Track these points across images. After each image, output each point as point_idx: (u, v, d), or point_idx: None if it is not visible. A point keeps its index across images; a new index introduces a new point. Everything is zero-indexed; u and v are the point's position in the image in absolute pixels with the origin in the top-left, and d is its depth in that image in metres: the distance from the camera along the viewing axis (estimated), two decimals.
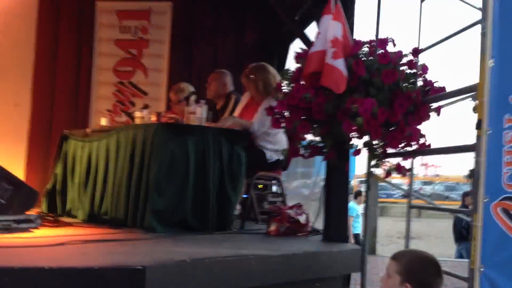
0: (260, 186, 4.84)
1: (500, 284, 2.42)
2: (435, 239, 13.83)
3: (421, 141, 3.31)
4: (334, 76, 3.11)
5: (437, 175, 34.49)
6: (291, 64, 6.93)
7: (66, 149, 5.04)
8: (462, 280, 2.65)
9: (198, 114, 4.17)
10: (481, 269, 2.42)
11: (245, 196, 4.42)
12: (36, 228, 3.77)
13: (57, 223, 4.14)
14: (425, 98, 3.19)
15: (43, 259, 2.62)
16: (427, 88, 3.27)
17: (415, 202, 3.69)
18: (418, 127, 3.30)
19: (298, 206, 4.07)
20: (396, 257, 2.08)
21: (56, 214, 4.77)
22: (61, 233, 3.64)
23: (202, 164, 3.92)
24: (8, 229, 3.61)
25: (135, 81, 6.61)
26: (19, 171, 5.92)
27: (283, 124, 3.56)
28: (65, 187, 4.92)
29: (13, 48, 6.44)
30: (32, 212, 3.92)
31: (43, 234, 3.55)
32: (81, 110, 6.61)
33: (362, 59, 3.25)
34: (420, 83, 3.29)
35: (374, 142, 3.30)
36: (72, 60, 6.64)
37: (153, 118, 4.50)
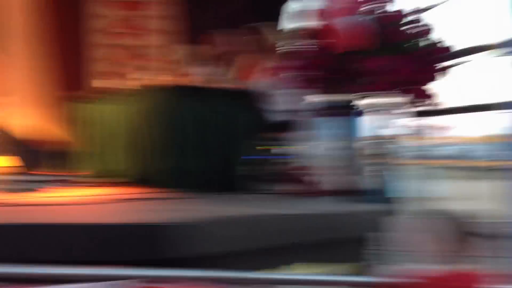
0: (268, 147, 4.87)
1: None
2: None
3: (431, 100, 3.34)
4: (355, 34, 3.11)
5: (451, 136, 34.41)
6: (286, 23, 6.87)
7: (82, 113, 5.05)
8: None
9: (199, 74, 4.19)
10: None
11: (253, 157, 4.46)
12: (69, 187, 3.94)
13: (87, 183, 4.25)
14: (434, 57, 3.20)
15: (69, 216, 2.76)
16: (435, 46, 3.28)
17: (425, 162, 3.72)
18: (428, 86, 3.32)
19: (309, 165, 4.10)
20: (425, 217, 2.05)
21: (81, 174, 4.81)
22: (93, 193, 3.75)
23: (217, 125, 3.96)
24: (43, 188, 3.73)
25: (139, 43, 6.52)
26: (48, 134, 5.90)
27: (293, 83, 3.58)
28: (87, 149, 4.97)
29: None
30: (69, 172, 4.08)
31: (72, 194, 3.68)
32: (85, 72, 6.47)
33: (370, 17, 3.25)
34: (427, 41, 3.29)
35: (384, 101, 3.33)
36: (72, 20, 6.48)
37: (159, 80, 4.51)
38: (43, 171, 3.86)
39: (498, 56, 2.65)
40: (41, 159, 3.86)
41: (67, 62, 6.41)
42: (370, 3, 3.31)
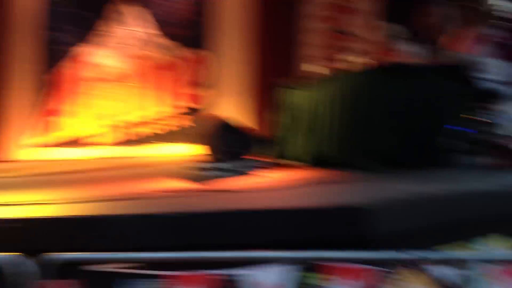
0: (476, 118, 4.56)
1: None
2: None
3: None
4: None
5: None
6: None
7: (287, 98, 5.32)
8: None
9: (410, 52, 4.09)
10: None
11: (460, 129, 4.23)
12: (264, 171, 4.08)
13: (284, 167, 4.47)
14: None
15: (274, 200, 2.92)
16: None
17: None
18: None
19: None
20: None
21: (282, 158, 5.08)
22: (289, 177, 3.92)
23: (418, 103, 3.87)
24: (241, 174, 3.93)
25: (344, 25, 6.56)
26: (246, 121, 6.41)
27: (504, 52, 3.28)
28: (290, 133, 5.24)
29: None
30: (260, 158, 4.26)
31: (272, 178, 3.88)
32: (293, 58, 6.66)
33: None
34: None
35: None
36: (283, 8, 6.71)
37: (365, 61, 4.52)
38: (249, 156, 4.08)
39: None
40: (247, 146, 4.10)
41: (278, 49, 6.65)
42: None
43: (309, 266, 2.09)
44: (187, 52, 6.88)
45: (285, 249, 2.10)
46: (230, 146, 4.13)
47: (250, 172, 4.04)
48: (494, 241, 2.85)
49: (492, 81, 4.14)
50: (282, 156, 5.21)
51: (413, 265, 1.98)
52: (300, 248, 2.09)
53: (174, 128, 6.89)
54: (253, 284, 2.04)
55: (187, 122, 6.79)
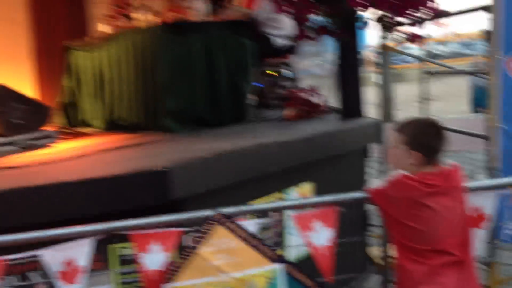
0: (270, 72, 4.78)
1: None
2: (454, 97, 13.75)
3: (429, 5, 3.17)
4: None
5: (452, 33, 33.61)
6: None
7: (72, 61, 4.98)
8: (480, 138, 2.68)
9: (197, 8, 4.03)
10: (500, 125, 2.44)
11: (256, 84, 4.39)
12: (55, 142, 3.83)
13: (75, 135, 4.18)
14: None
15: (67, 173, 2.68)
16: None
17: (431, 66, 3.61)
18: None
19: (311, 87, 4.04)
20: (398, 128, 2.10)
21: (72, 126, 4.81)
22: (81, 145, 3.68)
23: (209, 59, 3.86)
24: (26, 147, 3.66)
25: None
26: (26, 89, 5.90)
27: (286, 8, 3.42)
28: (77, 98, 4.91)
29: None
30: (49, 128, 3.93)
31: (63, 148, 3.60)
32: (79, 17, 6.31)
33: None
34: None
35: (382, 12, 3.17)
36: None
37: (153, 18, 4.36)
38: (36, 128, 3.74)
39: None
40: (32, 116, 3.75)
41: (62, 9, 6.26)
42: None
43: (117, 237, 1.96)
44: None
45: (89, 222, 1.93)
46: (13, 118, 3.68)
47: (38, 145, 3.70)
48: (303, 188, 3.04)
49: (283, 36, 4.34)
50: (72, 124, 4.89)
51: (220, 221, 1.97)
52: (104, 219, 1.93)
53: None
54: (59, 263, 1.84)
55: None
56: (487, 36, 2.38)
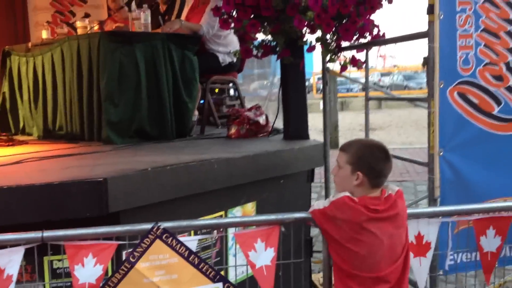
0: (216, 90, 4.78)
1: (459, 166, 2.53)
2: (396, 128, 14.25)
3: (375, 32, 3.28)
4: None
5: (395, 66, 34.95)
6: None
7: (10, 66, 4.81)
8: (422, 166, 2.76)
9: (142, 20, 3.99)
10: (440, 153, 2.52)
11: (201, 101, 4.37)
12: None
13: (11, 142, 4.03)
14: None
15: (0, 179, 2.56)
16: None
17: (374, 94, 3.69)
18: (371, 17, 3.26)
19: (257, 107, 4.06)
20: (344, 148, 2.08)
21: (9, 133, 4.64)
22: (17, 152, 3.54)
23: (154, 71, 3.81)
24: None
25: None
26: None
27: (232, 25, 3.44)
28: (15, 105, 4.74)
29: None
30: None
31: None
32: (19, 24, 6.23)
33: None
34: None
35: (327, 36, 3.25)
36: None
37: (96, 27, 4.29)
38: None
39: None
40: None
41: (4, 14, 6.12)
42: None
43: (51, 247, 1.87)
44: None
45: (22, 230, 1.83)
46: None
47: None
48: (246, 208, 3.02)
49: (229, 53, 4.35)
50: (10, 131, 4.70)
51: (160, 235, 1.93)
52: (39, 229, 1.85)
53: None
54: None
55: None
56: (426, 63, 2.47)
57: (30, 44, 4.67)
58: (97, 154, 3.30)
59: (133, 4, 4.33)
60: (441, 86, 2.42)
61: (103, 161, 3.05)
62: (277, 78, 5.82)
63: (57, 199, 2.33)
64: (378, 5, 3.17)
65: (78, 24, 4.47)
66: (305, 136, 3.67)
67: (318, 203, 2.07)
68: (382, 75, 31.46)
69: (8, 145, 3.91)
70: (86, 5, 6.18)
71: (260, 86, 7.19)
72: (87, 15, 4.71)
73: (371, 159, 2.01)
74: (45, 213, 2.28)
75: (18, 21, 6.23)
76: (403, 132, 13.25)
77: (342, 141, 11.24)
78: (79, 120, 3.93)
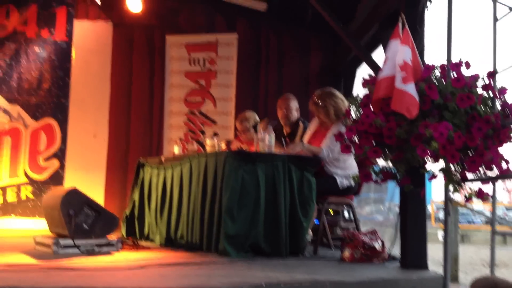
0: (331, 211, 4.81)
1: None
2: None
3: (503, 165, 3.19)
4: (405, 100, 3.06)
5: None
6: (358, 89, 6.97)
7: (142, 176, 5.27)
8: None
9: (267, 141, 4.25)
10: None
11: (316, 221, 4.41)
12: (117, 251, 4.00)
13: (136, 247, 4.33)
14: (505, 122, 3.08)
15: (125, 281, 2.74)
16: (506, 110, 3.16)
17: (500, 228, 3.49)
18: (500, 151, 3.18)
19: (373, 232, 4.00)
20: (472, 283, 1.99)
21: (135, 238, 4.99)
22: (140, 257, 3.79)
23: (273, 190, 3.98)
24: (91, 253, 3.84)
25: (204, 110, 6.84)
26: (99, 198, 6.24)
27: (352, 150, 3.54)
28: (142, 212, 5.13)
29: (91, 82, 6.86)
30: (113, 237, 4.09)
31: (124, 257, 3.72)
32: (155, 139, 6.90)
33: (435, 83, 3.20)
34: (498, 106, 3.19)
35: (451, 167, 3.21)
36: (145, 92, 6.97)
37: (223, 146, 4.62)
38: (100, 234, 3.95)
39: None
40: (99, 223, 3.96)
41: (141, 128, 6.87)
42: (436, 70, 3.27)
43: None
44: (33, 120, 6.50)
45: None
46: (82, 222, 3.90)
47: (101, 251, 3.90)
48: None
49: (347, 176, 4.43)
50: (135, 236, 5.05)
51: None
52: None
53: (21, 200, 6.35)
54: None
55: (35, 194, 6.34)
56: None
57: (163, 158, 5.11)
58: (214, 265, 3.42)
59: (259, 126, 4.65)
60: None
61: (219, 272, 3.16)
62: (393, 204, 5.75)
63: None
64: (507, 138, 3.11)
65: (208, 142, 4.86)
66: (424, 266, 3.52)
67: None
68: (508, 209, 29.54)
69: (132, 250, 4.20)
70: (216, 125, 6.74)
71: (375, 210, 7.11)
72: (215, 134, 5.10)
73: None
74: None
75: (154, 137, 6.89)
76: None
77: (462, 275, 10.49)
78: (199, 231, 4.15)
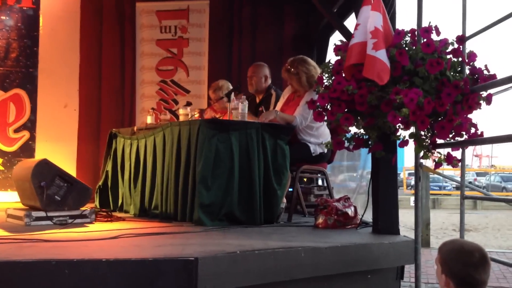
0: (305, 179, 4.85)
1: None
2: (493, 230, 13.40)
3: (472, 131, 3.23)
4: (377, 67, 3.06)
5: (492, 166, 33.55)
6: (330, 56, 6.94)
7: (115, 147, 5.22)
8: None
9: (240, 109, 4.23)
10: None
11: (290, 189, 4.45)
12: (90, 223, 3.96)
13: (110, 218, 4.30)
14: (474, 87, 3.11)
15: (99, 252, 2.73)
16: (475, 76, 3.19)
17: (469, 193, 3.57)
18: (469, 116, 3.22)
19: (346, 198, 4.06)
20: (440, 246, 2.00)
21: (108, 209, 4.96)
22: (115, 227, 3.76)
23: (246, 158, 3.98)
24: (64, 224, 3.80)
25: (177, 79, 6.76)
26: (71, 169, 6.15)
27: (325, 117, 3.55)
28: (116, 183, 5.09)
29: (60, 51, 6.65)
30: (86, 208, 4.06)
31: (98, 228, 3.69)
32: (127, 109, 6.81)
33: (405, 49, 3.21)
34: (468, 71, 3.21)
35: (422, 133, 3.24)
36: (116, 61, 6.83)
37: (196, 115, 4.59)
38: (73, 205, 3.92)
39: None
40: (72, 194, 3.91)
41: (113, 99, 6.74)
42: (406, 35, 3.27)
43: None
44: (1, 91, 6.36)
45: None
46: (54, 194, 3.85)
47: (74, 222, 3.86)
48: None
49: (320, 144, 4.45)
50: (109, 207, 5.02)
51: None
52: None
53: None
54: None
55: (6, 166, 6.29)
56: None
57: (135, 128, 5.06)
58: (188, 234, 3.43)
59: (232, 95, 4.62)
60: None
61: (193, 241, 3.17)
62: (366, 171, 5.83)
63: (150, 274, 2.43)
64: (476, 105, 3.14)
65: (180, 111, 4.81)
66: (396, 231, 3.59)
67: None
68: (478, 174, 30.25)
69: (106, 221, 4.17)
70: (189, 94, 6.67)
71: (349, 178, 7.21)
72: (188, 104, 5.05)
73: (455, 264, 1.89)
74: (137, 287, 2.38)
75: (126, 107, 6.79)
76: (500, 235, 12.44)
77: (433, 240, 10.76)
78: (173, 201, 4.14)
